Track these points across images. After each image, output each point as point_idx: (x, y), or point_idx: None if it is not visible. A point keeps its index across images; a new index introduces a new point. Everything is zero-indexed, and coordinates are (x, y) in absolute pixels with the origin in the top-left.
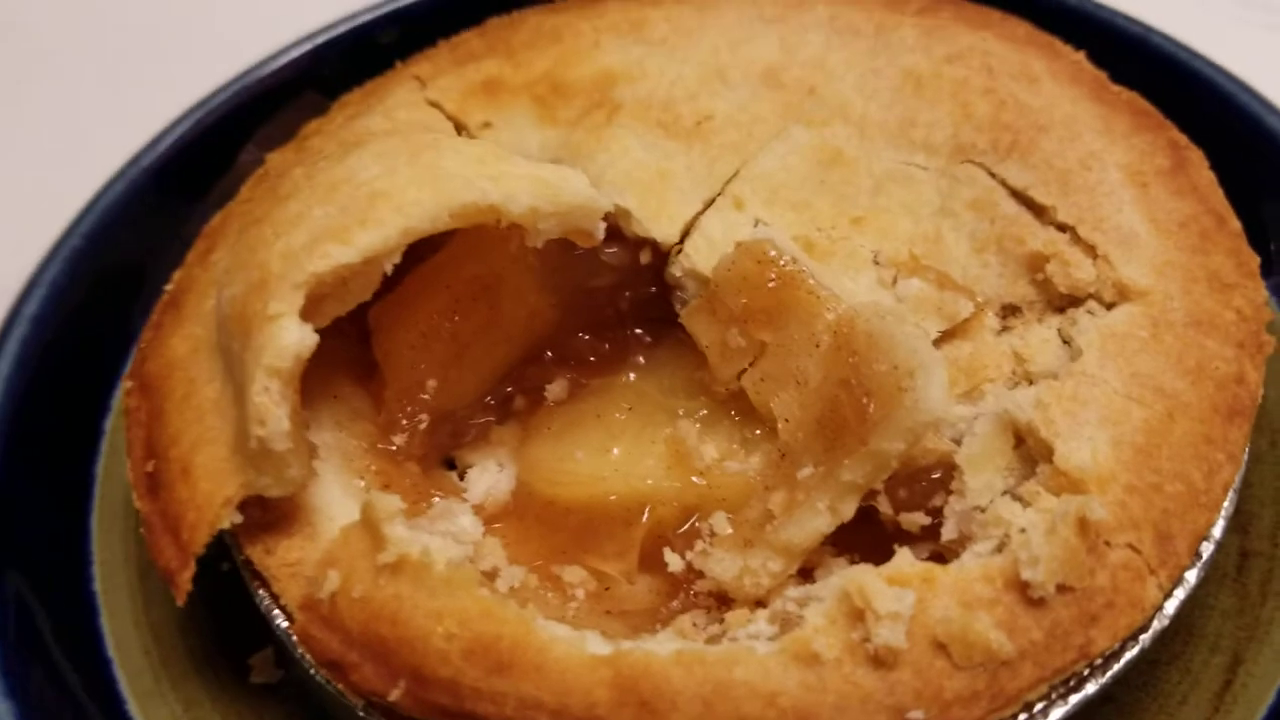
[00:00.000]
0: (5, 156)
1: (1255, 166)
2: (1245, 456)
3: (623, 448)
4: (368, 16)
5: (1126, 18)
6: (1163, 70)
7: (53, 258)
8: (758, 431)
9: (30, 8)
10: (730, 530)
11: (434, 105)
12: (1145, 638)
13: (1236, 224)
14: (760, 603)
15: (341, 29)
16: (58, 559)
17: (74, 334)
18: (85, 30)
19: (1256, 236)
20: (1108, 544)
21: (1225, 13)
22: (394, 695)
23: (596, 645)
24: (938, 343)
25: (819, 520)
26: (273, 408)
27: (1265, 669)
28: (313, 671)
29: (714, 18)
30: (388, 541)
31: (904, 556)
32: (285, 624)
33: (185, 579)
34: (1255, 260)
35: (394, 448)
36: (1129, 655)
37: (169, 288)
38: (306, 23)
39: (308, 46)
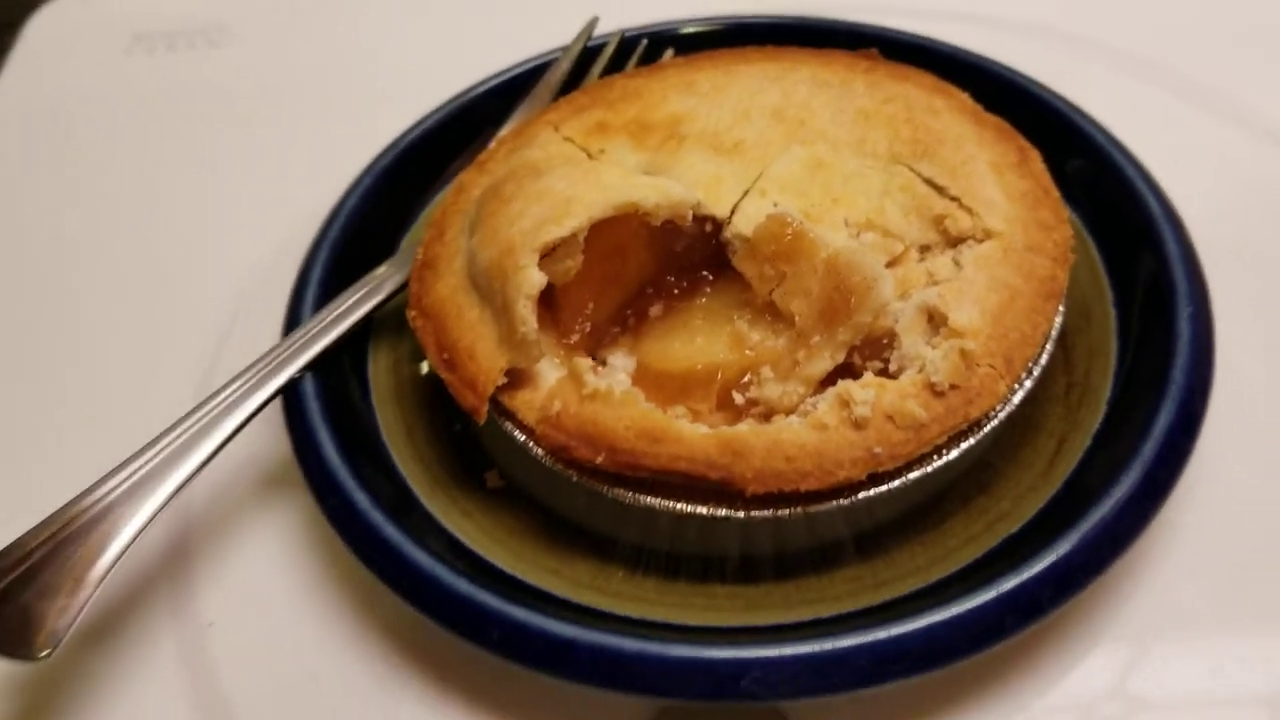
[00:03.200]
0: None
1: (1072, 155)
2: (1059, 321)
3: (701, 339)
4: (506, 76)
5: (998, 64)
6: (1019, 100)
7: (329, 226)
8: (783, 325)
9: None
10: (772, 375)
11: (568, 140)
12: (1001, 413)
13: (1056, 193)
14: (790, 412)
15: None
16: (360, 420)
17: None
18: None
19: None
20: (977, 364)
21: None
22: (600, 459)
23: (705, 430)
24: (885, 267)
25: (825, 363)
26: (529, 316)
27: (1077, 444)
28: (543, 460)
29: (738, 78)
30: (585, 383)
31: (868, 377)
32: (523, 436)
33: (483, 411)
34: (1065, 213)
35: (571, 342)
36: (991, 424)
37: (420, 256)
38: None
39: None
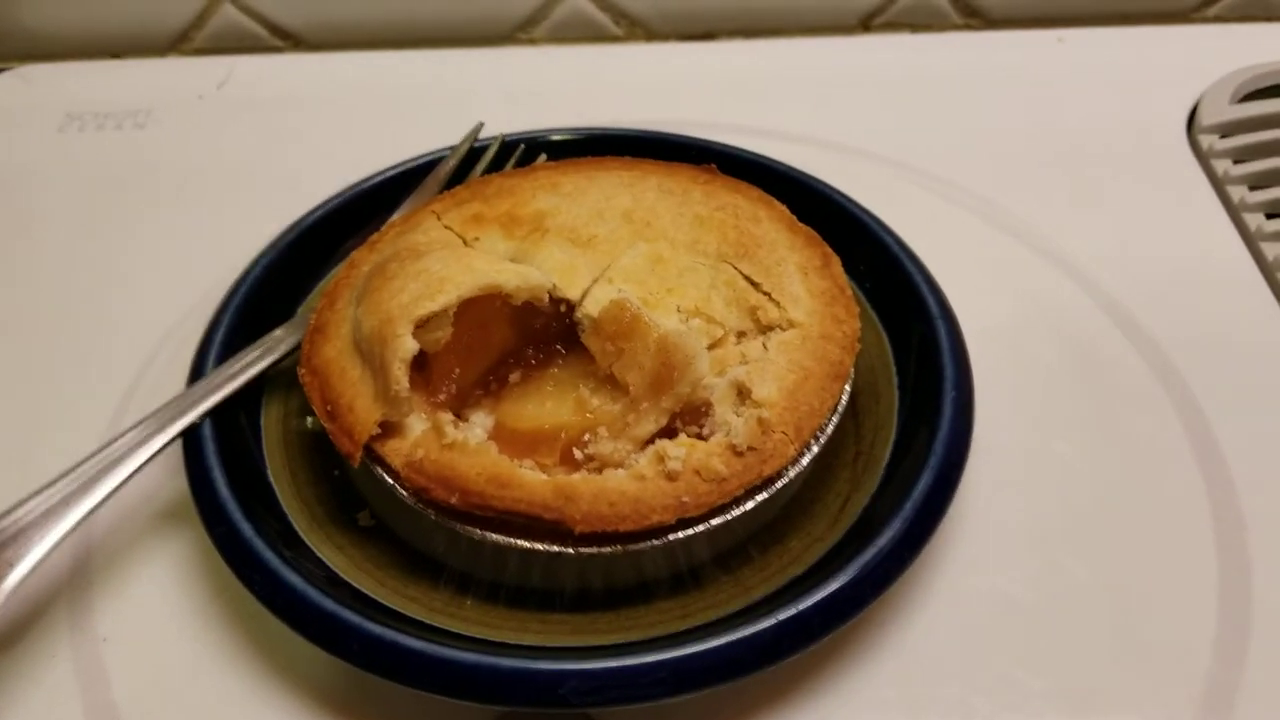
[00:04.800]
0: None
1: (873, 259)
2: (845, 399)
3: (551, 402)
4: (394, 172)
5: (816, 180)
6: (831, 210)
7: (234, 292)
8: (620, 393)
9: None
10: (606, 434)
11: (447, 228)
12: (792, 472)
13: (850, 293)
14: (619, 466)
15: (382, 177)
16: (251, 463)
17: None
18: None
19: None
20: (772, 431)
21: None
22: (453, 500)
23: (544, 477)
24: (708, 350)
25: (650, 425)
26: (402, 377)
27: (858, 503)
28: (406, 500)
29: (596, 182)
30: (445, 434)
31: (682, 438)
32: (390, 479)
33: (358, 456)
34: (856, 309)
35: (439, 401)
36: (782, 481)
37: (312, 321)
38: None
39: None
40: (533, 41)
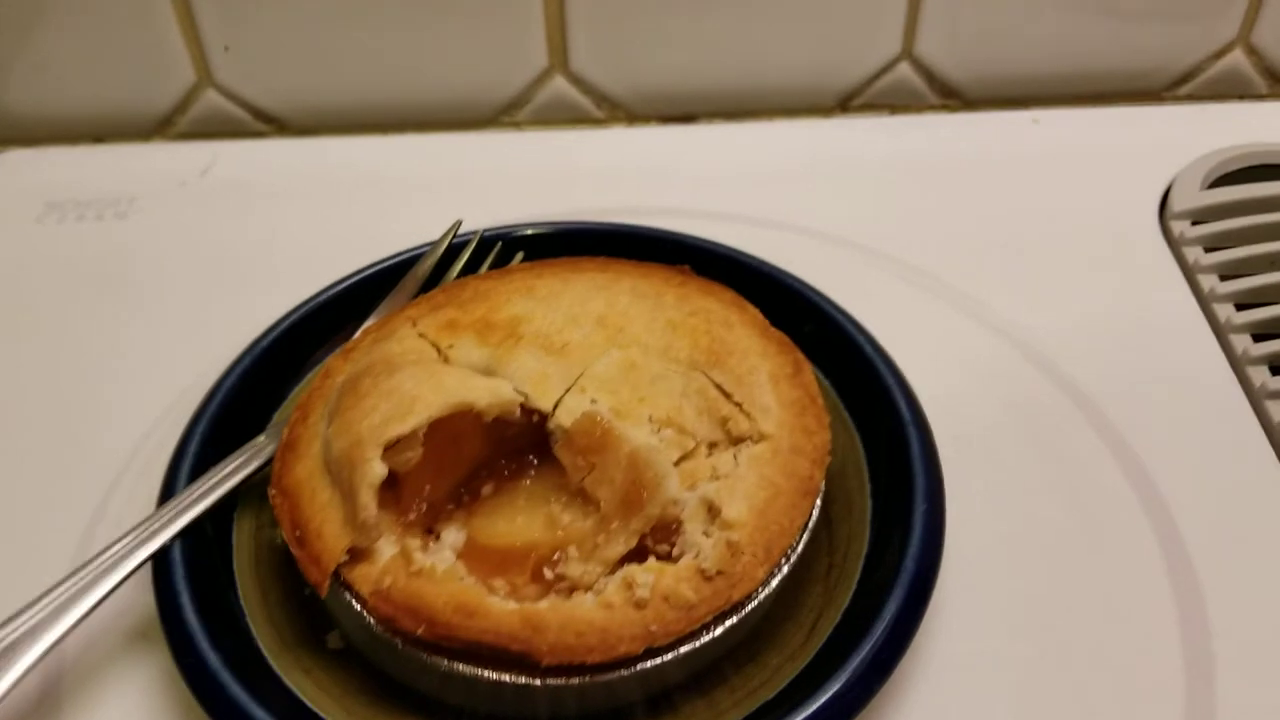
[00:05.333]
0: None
1: (846, 362)
2: (815, 515)
3: (522, 518)
4: (368, 272)
5: (791, 277)
6: (803, 309)
7: (210, 400)
8: (591, 508)
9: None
10: (576, 554)
11: (422, 336)
12: (761, 594)
13: (820, 402)
14: (589, 588)
15: (360, 277)
16: (219, 581)
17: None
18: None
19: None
20: (741, 553)
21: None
22: (420, 630)
23: (512, 605)
24: (676, 462)
25: (620, 547)
26: (370, 503)
27: (830, 619)
28: (374, 627)
29: (570, 286)
30: (414, 561)
31: (651, 562)
32: (358, 606)
33: (325, 586)
34: (827, 419)
35: (410, 519)
36: (752, 605)
37: (284, 436)
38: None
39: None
40: (517, 125)
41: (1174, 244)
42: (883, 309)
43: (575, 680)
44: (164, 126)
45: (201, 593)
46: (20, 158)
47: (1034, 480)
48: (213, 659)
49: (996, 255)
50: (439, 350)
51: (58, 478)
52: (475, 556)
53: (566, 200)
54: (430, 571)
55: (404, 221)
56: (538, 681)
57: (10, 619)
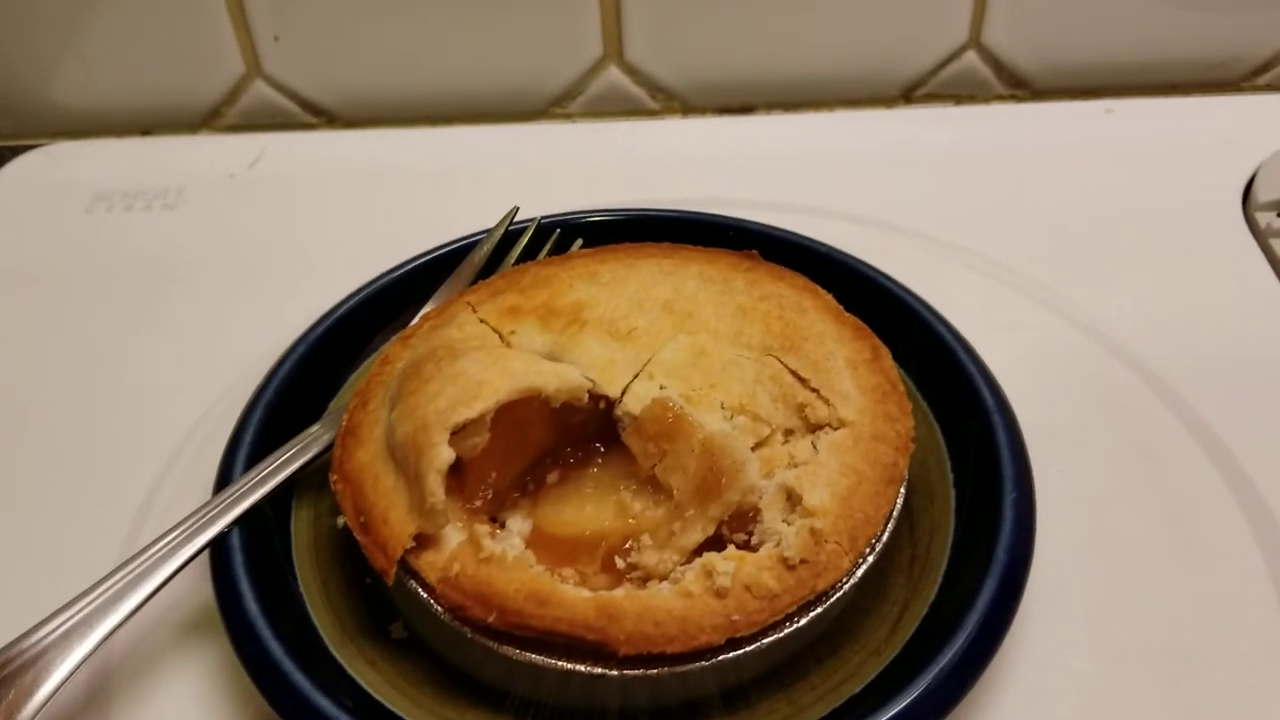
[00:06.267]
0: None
1: (924, 351)
2: (899, 504)
3: (591, 506)
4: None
5: (865, 264)
6: (876, 296)
7: (266, 386)
8: (663, 497)
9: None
10: (650, 543)
11: (483, 321)
12: (846, 584)
13: (902, 388)
14: (664, 577)
15: (415, 264)
16: (279, 570)
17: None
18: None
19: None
20: (825, 541)
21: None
22: (491, 619)
23: (586, 594)
24: (752, 449)
25: (697, 535)
26: (438, 489)
27: (916, 612)
28: (442, 616)
29: (636, 271)
30: (483, 547)
31: (730, 550)
32: (425, 594)
33: (392, 573)
34: (909, 406)
35: (475, 506)
36: (837, 595)
37: (344, 422)
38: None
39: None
40: (569, 117)
41: (1259, 235)
42: (954, 298)
43: (652, 671)
44: (212, 118)
45: (261, 581)
46: (68, 150)
47: (1119, 472)
48: (275, 648)
49: (1072, 245)
50: (501, 336)
51: (105, 469)
52: (542, 545)
53: (622, 191)
54: (500, 558)
55: (455, 213)
56: (614, 672)
57: (59, 611)
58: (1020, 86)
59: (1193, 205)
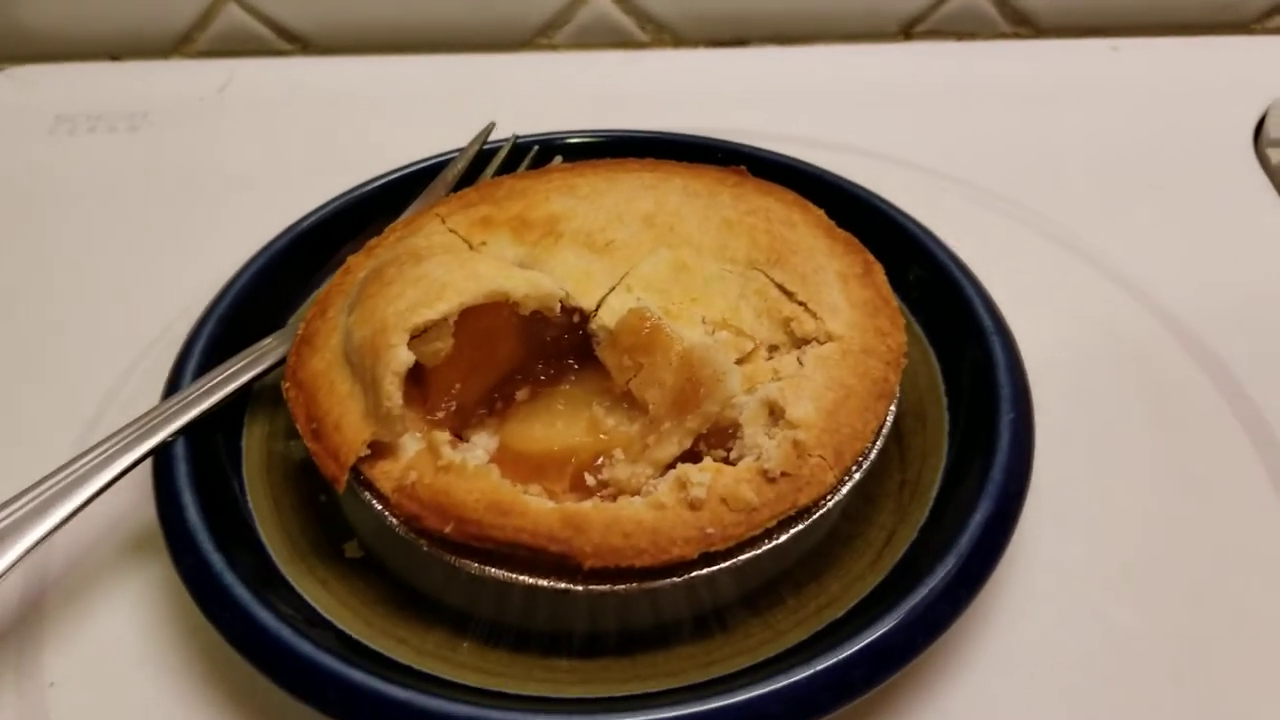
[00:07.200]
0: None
1: (915, 267)
2: (889, 421)
3: (561, 423)
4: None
5: (854, 184)
6: (870, 215)
7: (220, 299)
8: (638, 413)
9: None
10: (623, 457)
11: (452, 231)
12: (829, 502)
13: (894, 303)
14: (635, 493)
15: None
16: (228, 487)
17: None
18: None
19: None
20: (808, 455)
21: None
22: (448, 529)
23: (550, 504)
24: (735, 363)
25: (673, 448)
26: (394, 391)
27: (904, 537)
28: (396, 529)
29: (616, 184)
30: (441, 455)
31: (707, 462)
32: (379, 505)
33: (343, 480)
34: (901, 321)
35: (436, 419)
36: (820, 512)
37: (301, 330)
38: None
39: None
40: (553, 47)
41: (1271, 172)
42: (951, 228)
43: (620, 587)
44: (182, 44)
45: (207, 495)
46: (34, 73)
47: (1124, 402)
48: (216, 559)
49: (1077, 181)
50: (470, 246)
51: (60, 382)
52: (508, 461)
53: (605, 122)
54: (460, 467)
55: (430, 138)
56: (579, 588)
57: None
58: (1024, 24)
59: (1202, 142)
